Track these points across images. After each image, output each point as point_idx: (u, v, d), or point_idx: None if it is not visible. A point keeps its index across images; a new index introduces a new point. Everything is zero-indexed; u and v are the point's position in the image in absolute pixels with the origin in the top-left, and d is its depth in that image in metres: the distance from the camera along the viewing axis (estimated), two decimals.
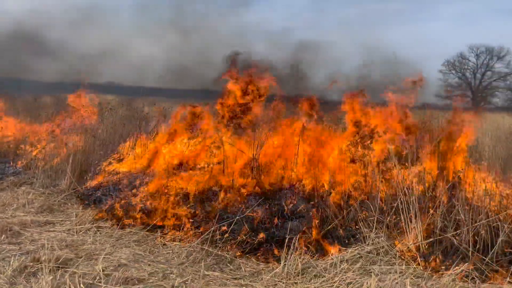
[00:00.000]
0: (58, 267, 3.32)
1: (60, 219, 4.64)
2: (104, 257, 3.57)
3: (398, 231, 3.93)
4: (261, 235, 3.94)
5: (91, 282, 3.13)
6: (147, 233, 4.22)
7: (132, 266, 3.48)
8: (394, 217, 4.03)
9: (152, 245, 3.99)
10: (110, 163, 5.50)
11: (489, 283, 3.28)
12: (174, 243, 4.00)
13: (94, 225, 4.39)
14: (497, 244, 3.55)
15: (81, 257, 3.58)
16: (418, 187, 4.15)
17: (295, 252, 3.62)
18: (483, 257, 3.51)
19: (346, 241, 4.01)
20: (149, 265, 3.53)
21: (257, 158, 4.86)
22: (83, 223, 4.44)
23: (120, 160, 5.52)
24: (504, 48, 36.93)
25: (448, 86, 38.16)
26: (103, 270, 3.29)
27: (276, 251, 3.85)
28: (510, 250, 3.56)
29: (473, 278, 3.32)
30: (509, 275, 3.31)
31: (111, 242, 3.99)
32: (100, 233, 4.23)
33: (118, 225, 4.31)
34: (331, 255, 3.72)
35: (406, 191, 3.89)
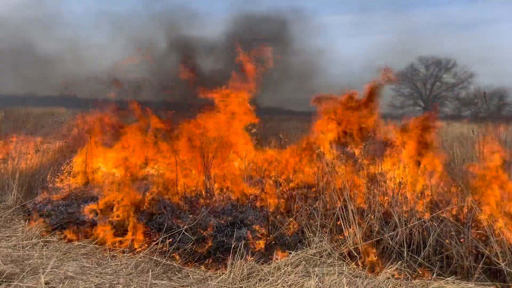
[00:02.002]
0: (2, 281, 3.29)
1: (6, 234, 4.55)
2: (50, 271, 3.56)
3: (340, 234, 4.15)
4: (209, 243, 4.05)
5: None
6: (96, 246, 4.22)
7: (79, 279, 3.49)
8: (338, 222, 4.26)
9: (100, 257, 4.00)
10: (58, 178, 5.45)
11: (420, 279, 3.54)
12: (123, 254, 4.03)
13: (41, 240, 4.34)
14: (428, 244, 3.84)
15: (26, 272, 3.55)
16: (358, 193, 4.41)
17: (241, 258, 3.75)
18: (416, 256, 3.79)
19: (292, 246, 4.20)
20: (96, 277, 3.56)
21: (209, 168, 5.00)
22: (29, 238, 4.38)
23: (69, 174, 5.48)
24: (451, 60, 38.97)
25: (401, 96, 39.77)
26: (48, 283, 3.29)
27: (224, 259, 3.97)
28: (440, 248, 3.86)
29: (406, 275, 3.57)
30: (436, 270, 3.59)
31: (58, 256, 3.97)
32: (47, 248, 4.19)
33: (65, 239, 4.29)
34: (276, 259, 3.88)
35: (346, 198, 4.13)
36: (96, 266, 3.79)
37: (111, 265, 3.83)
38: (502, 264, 3.52)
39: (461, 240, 3.76)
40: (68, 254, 4.06)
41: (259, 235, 4.23)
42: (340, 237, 4.10)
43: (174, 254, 3.96)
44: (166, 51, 8.26)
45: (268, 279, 3.51)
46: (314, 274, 3.54)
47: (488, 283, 3.46)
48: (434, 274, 3.55)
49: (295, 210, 4.53)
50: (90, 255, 4.05)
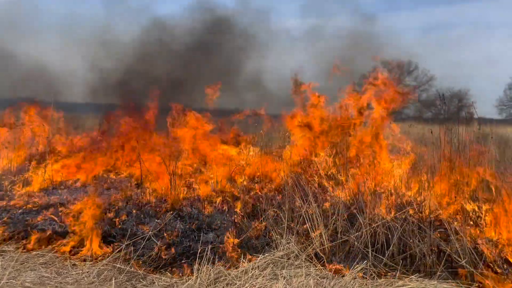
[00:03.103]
0: None
1: None
2: (6, 282, 3.39)
3: (307, 236, 4.17)
4: (174, 249, 3.96)
5: None
6: (55, 254, 4.05)
7: None
8: (304, 224, 4.28)
9: (60, 266, 3.84)
10: (16, 185, 5.22)
11: (385, 279, 3.59)
12: (85, 263, 3.89)
13: None
14: (392, 243, 3.91)
15: None
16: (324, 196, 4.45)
17: (208, 263, 3.70)
18: (381, 256, 3.85)
19: (260, 249, 4.17)
20: (56, 287, 3.42)
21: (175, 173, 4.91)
22: None
23: (26, 182, 5.26)
24: (412, 63, 40.17)
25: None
26: None
27: (191, 264, 3.90)
28: (404, 248, 3.94)
29: (371, 274, 3.62)
30: (400, 269, 3.65)
31: (15, 266, 3.78)
32: (3, 258, 3.99)
33: (23, 248, 4.10)
34: (244, 263, 3.84)
35: (312, 200, 4.16)
36: (56, 276, 3.63)
37: (72, 274, 3.68)
38: (463, 262, 3.62)
39: (424, 239, 3.85)
40: (25, 264, 3.88)
41: (226, 239, 4.18)
42: (307, 239, 4.11)
43: (138, 261, 3.85)
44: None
45: (236, 283, 3.47)
46: (281, 276, 3.53)
47: (450, 281, 3.54)
48: (398, 273, 3.61)
49: (262, 213, 4.52)
50: (49, 265, 3.88)
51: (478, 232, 4.02)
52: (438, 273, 3.61)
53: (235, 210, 4.55)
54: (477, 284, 3.48)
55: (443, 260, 3.67)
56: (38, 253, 4.06)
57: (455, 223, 3.97)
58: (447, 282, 3.50)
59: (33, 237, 4.16)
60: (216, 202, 4.67)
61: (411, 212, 4.27)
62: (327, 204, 4.45)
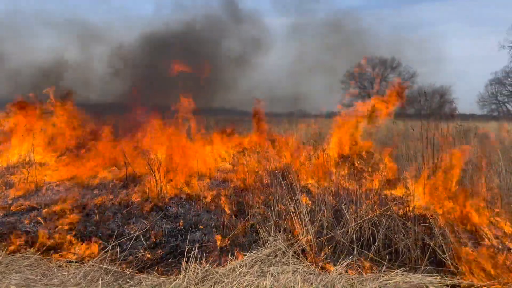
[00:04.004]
0: None
1: None
2: None
3: (293, 233, 4.20)
4: (160, 249, 3.95)
5: None
6: (40, 256, 4.00)
7: None
8: (291, 221, 4.31)
9: (45, 268, 3.79)
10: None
11: (371, 273, 3.65)
12: (71, 264, 3.85)
13: None
14: (377, 239, 3.97)
15: None
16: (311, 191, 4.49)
17: (195, 262, 3.70)
18: (366, 252, 3.90)
19: (247, 247, 4.19)
20: None
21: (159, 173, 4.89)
22: None
23: (9, 184, 5.18)
24: (395, 59, 40.56)
25: (349, 95, 40.89)
26: None
27: (178, 263, 3.89)
28: (389, 243, 4.00)
29: (357, 270, 3.67)
30: (385, 263, 3.71)
31: (0, 269, 3.72)
32: None
33: (7, 250, 4.03)
34: (231, 261, 3.85)
35: (298, 197, 4.19)
36: (42, 278, 3.59)
37: (58, 276, 3.64)
38: (446, 255, 3.70)
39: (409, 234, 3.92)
40: (10, 266, 3.82)
41: (213, 238, 4.19)
42: (293, 235, 4.15)
43: (125, 261, 3.83)
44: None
45: (223, 281, 3.48)
46: (269, 273, 3.55)
47: (434, 275, 3.62)
48: (384, 267, 3.67)
49: (249, 210, 4.53)
50: (35, 267, 3.83)
51: (461, 226, 4.11)
52: (423, 267, 3.68)
53: (222, 208, 4.55)
54: (460, 277, 3.56)
55: (427, 254, 3.75)
56: (23, 255, 4.00)
57: (439, 217, 4.04)
58: (432, 276, 3.57)
59: (17, 239, 4.10)
60: (203, 200, 4.67)
61: (395, 208, 4.34)
62: (308, 202, 4.49)
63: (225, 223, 4.40)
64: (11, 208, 4.59)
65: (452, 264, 3.69)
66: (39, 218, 4.28)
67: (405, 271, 3.65)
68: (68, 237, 4.04)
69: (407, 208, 4.29)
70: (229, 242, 4.21)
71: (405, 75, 40.36)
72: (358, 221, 4.02)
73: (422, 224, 4.08)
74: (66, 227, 4.15)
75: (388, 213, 4.13)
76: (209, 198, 4.68)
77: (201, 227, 4.35)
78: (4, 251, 4.07)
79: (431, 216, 4.07)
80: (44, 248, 4.04)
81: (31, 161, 5.33)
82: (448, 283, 3.43)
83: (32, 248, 4.07)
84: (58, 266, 3.83)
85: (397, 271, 3.62)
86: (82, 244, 3.98)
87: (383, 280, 3.48)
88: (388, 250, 3.97)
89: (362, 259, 3.80)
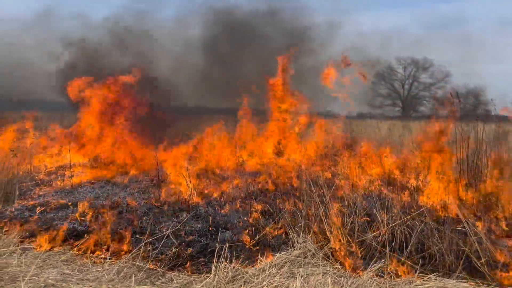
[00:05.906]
0: None
1: None
2: (30, 279, 3.46)
3: (324, 235, 4.17)
4: (191, 248, 4.00)
5: None
6: (76, 252, 4.12)
7: (60, 286, 3.40)
8: (321, 223, 4.28)
9: (81, 264, 3.91)
10: (36, 184, 5.32)
11: (403, 278, 3.58)
12: (105, 260, 3.95)
13: (19, 247, 4.22)
14: (410, 243, 3.89)
15: (4, 280, 3.44)
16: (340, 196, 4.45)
17: (226, 261, 3.73)
18: (399, 255, 3.83)
19: (276, 248, 4.19)
20: (77, 283, 3.47)
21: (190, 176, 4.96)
22: (7, 245, 4.25)
23: (46, 182, 5.36)
24: (428, 60, 39.70)
25: (378, 96, 40.23)
26: None
27: (209, 262, 3.93)
28: (422, 247, 3.92)
29: (389, 274, 3.61)
30: (418, 268, 3.64)
31: (38, 263, 3.86)
32: (26, 255, 4.08)
33: (45, 245, 4.18)
34: (261, 261, 3.86)
35: (329, 200, 4.16)
36: (77, 273, 3.70)
37: (93, 272, 3.75)
38: (482, 260, 3.59)
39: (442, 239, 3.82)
40: (47, 261, 3.96)
41: (243, 238, 4.21)
42: (324, 237, 4.12)
43: (157, 259, 3.90)
44: None
45: (253, 281, 3.50)
46: (299, 274, 3.54)
47: (469, 280, 3.51)
48: (417, 272, 3.59)
49: (278, 212, 4.54)
50: (71, 262, 3.95)
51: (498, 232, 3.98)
52: (457, 273, 3.58)
53: (251, 209, 4.57)
54: (495, 284, 3.45)
55: (462, 260, 3.64)
56: (60, 251, 4.14)
57: (477, 223, 3.93)
58: (466, 281, 3.48)
59: (55, 235, 4.24)
60: (232, 201, 4.70)
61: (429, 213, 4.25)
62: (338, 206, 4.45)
63: (254, 223, 4.42)
64: (49, 205, 4.75)
65: (486, 271, 3.58)
66: (76, 215, 4.41)
67: (439, 276, 3.56)
68: (103, 233, 4.15)
69: (441, 212, 4.19)
70: (258, 242, 4.22)
71: (438, 75, 39.40)
72: (391, 225, 3.95)
73: (457, 228, 3.97)
74: (101, 225, 4.26)
75: (421, 218, 4.05)
76: (238, 199, 4.71)
77: (230, 227, 4.38)
78: (42, 246, 4.22)
79: (466, 221, 3.95)
80: (79, 244, 4.17)
81: (68, 163, 5.50)
82: None
83: (68, 244, 4.21)
84: (93, 262, 3.94)
85: (431, 276, 3.54)
86: (115, 241, 4.08)
87: (416, 285, 3.41)
88: (421, 254, 3.88)
89: (394, 263, 3.73)
